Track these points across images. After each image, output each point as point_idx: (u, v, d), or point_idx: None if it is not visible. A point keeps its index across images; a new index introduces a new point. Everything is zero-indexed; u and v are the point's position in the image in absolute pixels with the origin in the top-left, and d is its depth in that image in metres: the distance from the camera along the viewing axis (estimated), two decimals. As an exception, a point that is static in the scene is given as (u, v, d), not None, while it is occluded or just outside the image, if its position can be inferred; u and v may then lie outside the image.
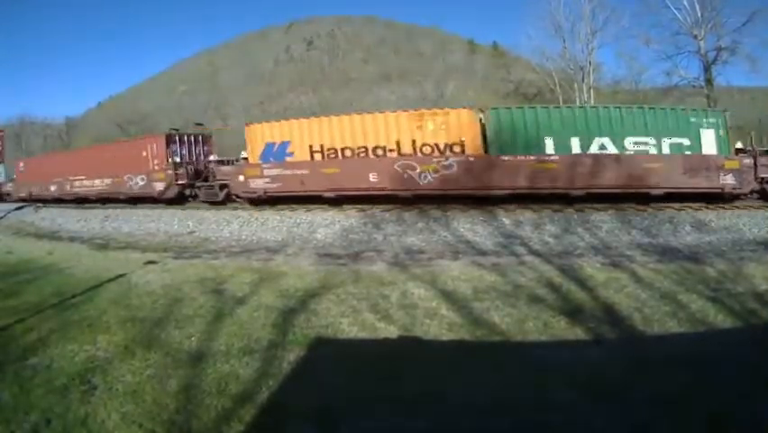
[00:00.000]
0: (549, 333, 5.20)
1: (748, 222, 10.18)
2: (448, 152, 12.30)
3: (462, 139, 12.26)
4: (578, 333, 5.16)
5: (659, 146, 11.41)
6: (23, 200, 21.26)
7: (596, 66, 29.98)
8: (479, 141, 12.25)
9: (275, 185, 13.79)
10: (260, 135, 14.08)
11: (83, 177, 18.61)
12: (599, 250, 8.88)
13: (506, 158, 11.81)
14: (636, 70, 27.60)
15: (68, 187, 19.17)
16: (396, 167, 12.46)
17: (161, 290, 7.21)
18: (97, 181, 18.14)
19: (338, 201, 13.29)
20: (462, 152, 12.25)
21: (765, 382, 3.79)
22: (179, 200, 16.10)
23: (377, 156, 12.77)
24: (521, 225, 10.87)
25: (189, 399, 4.01)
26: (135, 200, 16.96)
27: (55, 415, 3.81)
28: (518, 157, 11.73)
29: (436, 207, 12.35)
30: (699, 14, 22.56)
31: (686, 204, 11.35)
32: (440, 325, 5.50)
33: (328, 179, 13.04)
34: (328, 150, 13.21)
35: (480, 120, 12.35)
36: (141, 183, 16.58)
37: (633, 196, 11.46)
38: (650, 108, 11.98)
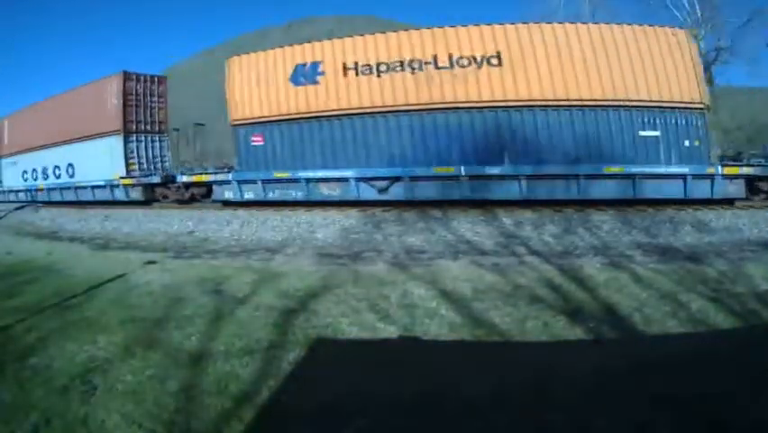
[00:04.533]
0: (549, 333, 5.20)
1: (748, 222, 10.17)
2: None
3: None
4: (578, 333, 5.16)
5: None
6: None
7: (596, 66, 29.90)
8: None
9: None
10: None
11: None
12: (599, 250, 8.87)
13: None
14: (636, 70, 27.50)
15: None
16: None
17: (161, 289, 7.21)
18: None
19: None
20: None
21: (766, 382, 3.78)
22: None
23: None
24: (521, 225, 10.87)
25: (189, 399, 4.01)
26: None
27: (55, 415, 3.81)
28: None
29: (436, 207, 12.35)
30: (699, 14, 22.50)
31: (686, 204, 11.35)
32: (440, 325, 5.50)
33: None
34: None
35: None
36: None
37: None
38: None
